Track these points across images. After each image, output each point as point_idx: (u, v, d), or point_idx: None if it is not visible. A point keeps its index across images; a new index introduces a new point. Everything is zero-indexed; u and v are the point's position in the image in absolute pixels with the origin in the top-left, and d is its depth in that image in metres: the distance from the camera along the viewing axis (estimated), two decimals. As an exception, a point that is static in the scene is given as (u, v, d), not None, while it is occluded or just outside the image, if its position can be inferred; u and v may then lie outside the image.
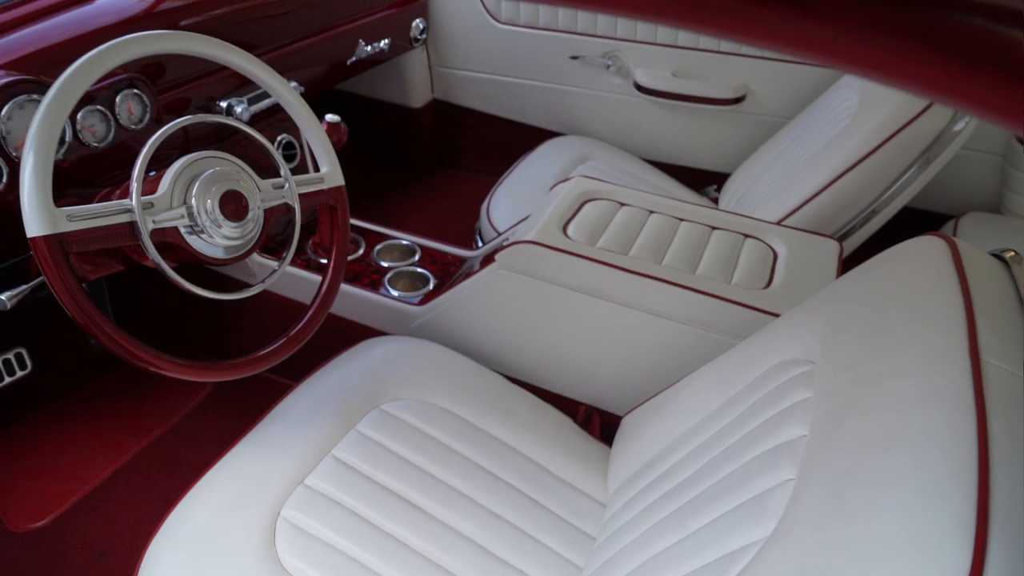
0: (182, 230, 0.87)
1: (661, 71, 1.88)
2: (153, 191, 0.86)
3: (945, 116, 1.30)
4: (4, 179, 0.96)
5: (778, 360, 0.83)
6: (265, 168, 1.03)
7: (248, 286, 0.96)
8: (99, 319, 0.79)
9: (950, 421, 0.55)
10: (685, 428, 0.92)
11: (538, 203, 1.40)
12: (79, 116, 1.02)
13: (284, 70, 1.13)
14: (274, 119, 1.41)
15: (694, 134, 1.93)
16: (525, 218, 1.37)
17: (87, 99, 1.03)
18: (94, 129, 1.05)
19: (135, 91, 1.09)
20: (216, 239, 0.90)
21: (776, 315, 1.04)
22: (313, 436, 0.98)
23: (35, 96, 0.97)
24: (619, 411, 1.17)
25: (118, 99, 1.07)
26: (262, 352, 0.96)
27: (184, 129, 1.05)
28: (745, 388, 0.86)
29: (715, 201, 1.83)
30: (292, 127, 1.42)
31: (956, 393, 0.57)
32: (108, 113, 1.06)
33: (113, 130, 1.07)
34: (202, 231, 0.88)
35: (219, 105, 1.31)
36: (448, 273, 1.38)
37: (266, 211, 0.96)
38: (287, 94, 1.01)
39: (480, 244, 1.65)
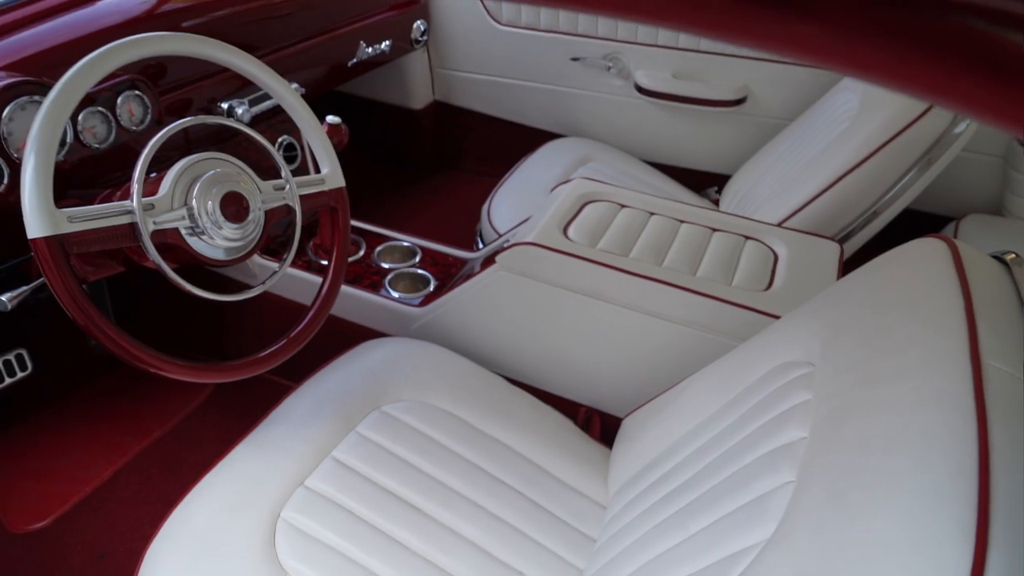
0: (183, 231, 0.88)
1: (662, 73, 1.88)
2: (154, 192, 0.87)
3: (946, 118, 1.30)
4: (5, 180, 0.96)
5: (778, 362, 0.83)
6: (266, 169, 1.03)
7: (249, 287, 0.96)
8: (99, 320, 0.79)
9: (950, 423, 0.55)
10: (685, 430, 0.92)
11: (539, 205, 1.40)
12: (80, 117, 1.03)
13: (285, 72, 1.13)
14: (275, 120, 1.41)
15: (695, 136, 1.93)
16: (526, 220, 1.37)
17: (88, 100, 1.03)
18: (95, 130, 1.05)
19: (136, 92, 1.09)
20: (217, 240, 0.90)
21: (776, 317, 1.04)
22: (313, 437, 0.98)
23: (36, 97, 0.97)
24: (619, 413, 1.17)
25: (119, 100, 1.07)
26: (263, 353, 0.96)
27: (185, 130, 1.05)
28: (745, 390, 0.86)
29: (716, 203, 1.83)
30: (293, 128, 1.42)
31: (956, 395, 0.57)
32: (109, 114, 1.06)
33: (114, 131, 1.07)
34: (203, 232, 0.88)
35: (220, 107, 1.32)
36: (449, 275, 1.38)
37: (267, 212, 0.96)
38: (288, 96, 1.01)
39: (481, 246, 1.65)
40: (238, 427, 1.02)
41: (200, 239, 0.89)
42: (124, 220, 0.82)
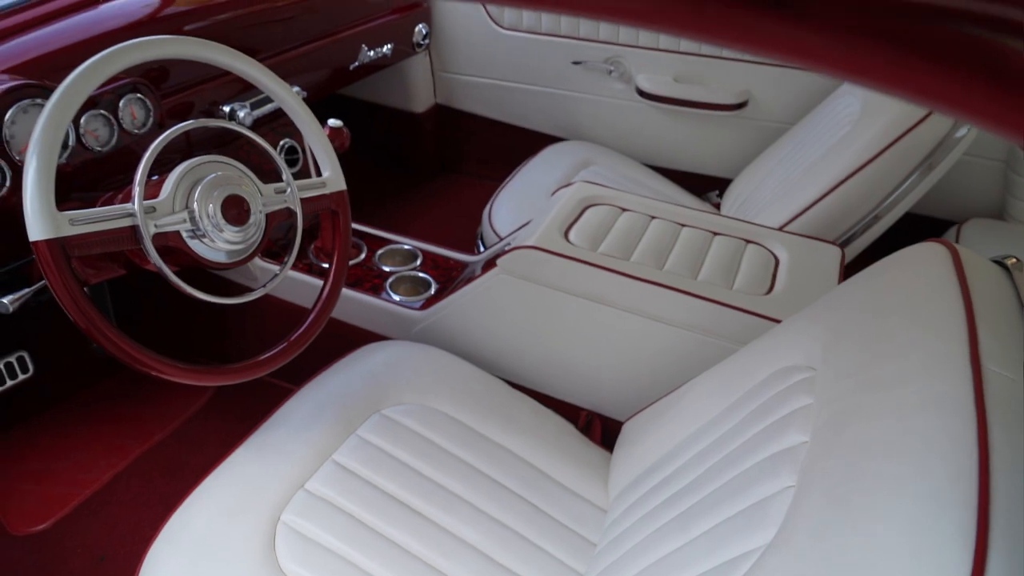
0: (184, 234, 0.88)
1: (663, 76, 1.89)
2: (155, 195, 0.87)
3: (947, 122, 1.30)
4: (7, 183, 0.96)
5: (779, 366, 0.83)
6: (267, 172, 1.03)
7: (250, 290, 0.96)
8: (100, 323, 0.79)
9: (951, 428, 0.55)
10: (686, 434, 0.92)
11: (540, 208, 1.40)
12: (82, 120, 1.03)
13: (287, 75, 1.13)
14: (277, 124, 1.42)
15: (696, 139, 1.93)
16: (527, 223, 1.37)
17: (90, 103, 1.03)
18: (97, 133, 1.05)
19: (138, 95, 1.09)
20: (218, 243, 0.90)
21: (777, 321, 1.04)
22: (314, 440, 0.98)
23: (39, 100, 0.97)
24: (620, 417, 1.17)
25: (121, 103, 1.07)
26: (263, 356, 0.96)
27: (187, 133, 1.05)
28: (746, 394, 0.86)
29: (717, 207, 1.83)
30: (295, 132, 1.43)
31: (957, 400, 0.57)
32: (111, 117, 1.06)
33: (116, 134, 1.07)
34: (204, 235, 0.88)
35: (222, 110, 1.32)
36: (450, 278, 1.38)
37: (268, 215, 0.96)
38: (289, 99, 1.02)
39: (482, 249, 1.65)
40: (239, 430, 1.02)
41: (201, 242, 0.89)
42: (125, 223, 0.82)
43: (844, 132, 1.43)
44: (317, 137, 1.04)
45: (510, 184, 1.78)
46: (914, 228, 1.46)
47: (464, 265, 1.42)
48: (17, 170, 0.97)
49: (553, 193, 1.46)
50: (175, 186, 0.87)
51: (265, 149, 0.97)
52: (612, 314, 1.15)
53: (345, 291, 1.32)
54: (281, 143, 1.42)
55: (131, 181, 0.84)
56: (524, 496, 0.98)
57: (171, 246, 0.87)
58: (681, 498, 0.81)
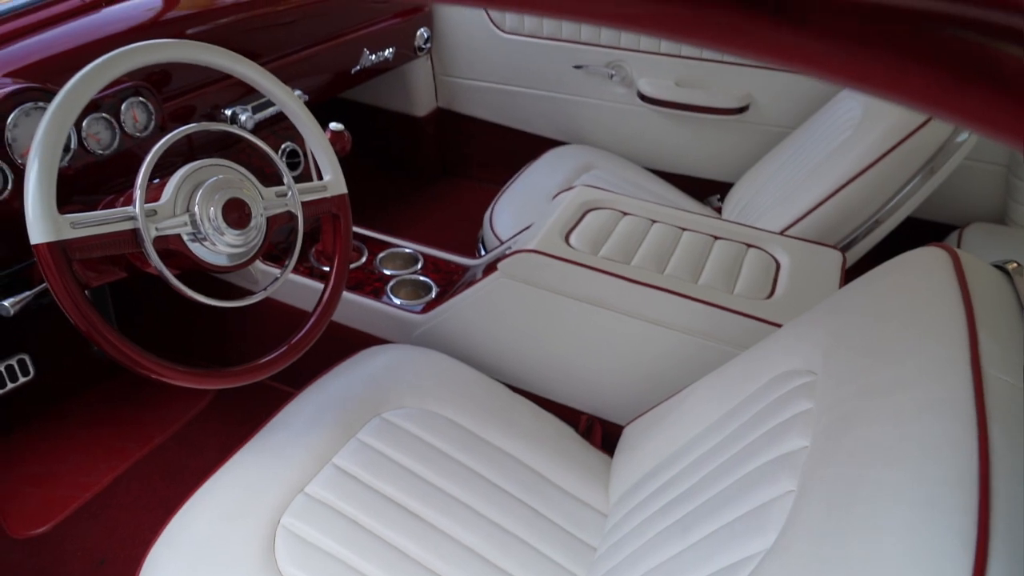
0: (185, 237, 0.88)
1: (665, 81, 1.89)
2: (156, 198, 0.87)
3: (949, 127, 1.30)
4: (9, 186, 0.96)
5: (780, 371, 0.83)
6: (269, 176, 1.04)
7: (250, 293, 0.96)
8: (101, 326, 0.80)
9: (951, 433, 0.54)
10: (687, 438, 0.92)
11: (541, 212, 1.40)
12: (84, 124, 1.03)
13: (289, 78, 1.13)
14: (278, 127, 1.42)
15: (697, 144, 1.94)
16: (528, 227, 1.37)
17: (92, 107, 1.03)
18: (99, 137, 1.05)
19: (140, 99, 1.09)
20: (219, 247, 0.90)
21: (778, 325, 1.03)
22: (314, 444, 0.98)
23: (41, 104, 0.97)
24: (621, 421, 1.17)
25: (123, 107, 1.07)
26: (264, 359, 0.96)
27: (188, 137, 1.05)
28: (747, 399, 0.86)
29: (718, 211, 1.82)
30: (296, 135, 1.43)
31: (957, 405, 0.56)
32: (113, 121, 1.06)
33: (118, 138, 1.07)
34: (205, 239, 0.89)
35: (223, 113, 1.32)
36: (450, 282, 1.38)
37: (269, 219, 0.96)
38: (291, 103, 1.02)
39: (483, 253, 1.65)
40: (239, 433, 1.02)
41: (202, 245, 0.89)
42: (127, 226, 0.83)
43: (845, 136, 1.43)
44: (318, 141, 1.04)
45: (511, 188, 1.78)
46: (915, 232, 1.46)
47: (465, 269, 1.43)
48: (19, 173, 0.97)
49: (554, 197, 1.46)
50: (176, 189, 0.87)
51: (266, 153, 0.97)
52: (613, 318, 1.15)
53: (346, 295, 1.32)
54: (282, 147, 1.43)
55: (132, 184, 0.84)
56: (524, 500, 0.98)
57: (172, 249, 0.87)
58: (681, 502, 0.81)
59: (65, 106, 0.80)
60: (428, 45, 2.02)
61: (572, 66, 1.97)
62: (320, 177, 1.06)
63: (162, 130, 1.13)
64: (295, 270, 1.34)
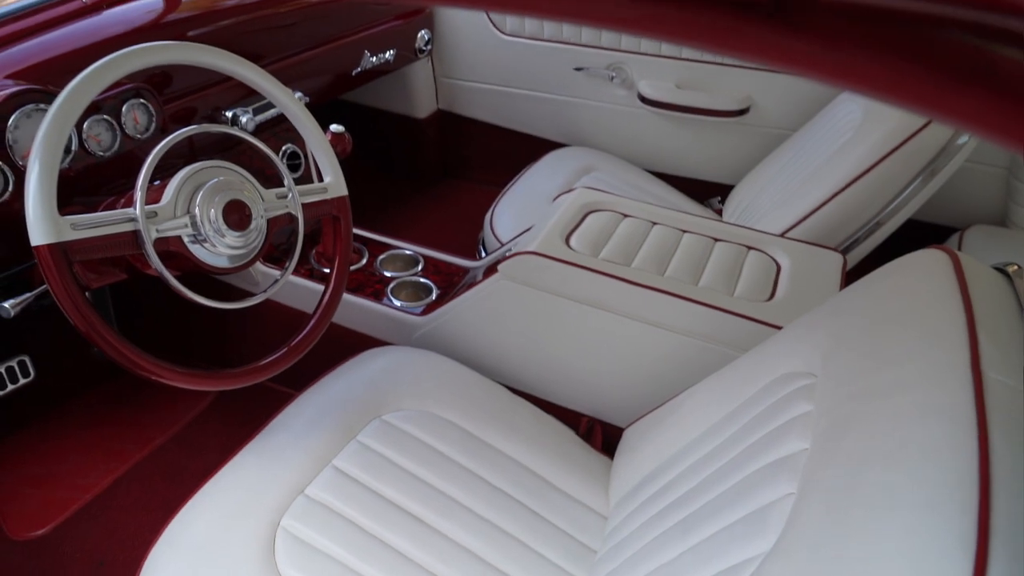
0: (185, 239, 0.88)
1: (665, 83, 1.89)
2: (157, 200, 0.87)
3: (949, 129, 1.30)
4: (10, 188, 0.97)
5: (780, 373, 0.83)
6: (269, 178, 1.04)
7: (251, 295, 0.96)
8: (101, 327, 0.80)
9: (951, 436, 0.54)
10: (687, 440, 0.92)
11: (541, 214, 1.40)
12: (85, 125, 1.03)
13: (289, 80, 1.13)
14: (279, 129, 1.42)
15: (698, 146, 1.94)
16: (528, 229, 1.37)
17: (93, 108, 1.04)
18: (100, 138, 1.06)
19: (141, 101, 1.09)
20: (219, 248, 0.90)
21: (778, 327, 1.03)
22: (314, 446, 0.98)
23: (42, 105, 0.97)
24: (621, 423, 1.17)
25: (124, 109, 1.07)
26: (264, 361, 0.96)
27: (189, 139, 1.05)
28: (747, 401, 0.86)
29: (719, 213, 1.82)
30: (297, 137, 1.43)
31: (957, 408, 0.56)
32: (114, 122, 1.06)
33: (119, 139, 1.07)
34: (205, 240, 0.89)
35: (224, 115, 1.32)
36: (451, 283, 1.38)
37: (269, 221, 0.96)
38: (291, 105, 1.02)
39: (483, 255, 1.65)
40: (239, 435, 1.02)
41: (203, 247, 0.89)
42: (127, 228, 0.83)
43: (846, 138, 1.43)
44: (319, 142, 1.05)
45: (512, 190, 1.78)
46: (916, 235, 1.46)
47: (465, 271, 1.43)
48: (20, 175, 0.97)
49: (555, 199, 1.46)
50: (177, 191, 0.87)
51: (267, 154, 0.97)
52: (613, 320, 1.15)
53: (346, 296, 1.32)
54: (283, 148, 1.43)
55: (133, 186, 0.84)
56: (524, 502, 0.98)
57: (172, 251, 0.87)
58: (681, 505, 0.81)
59: (66, 108, 0.81)
60: (429, 47, 2.02)
61: (573, 68, 1.97)
62: (321, 179, 1.06)
63: (163, 132, 1.13)
64: (295, 272, 1.34)
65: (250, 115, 1.33)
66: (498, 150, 2.21)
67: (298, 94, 1.37)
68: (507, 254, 1.23)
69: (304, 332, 1.00)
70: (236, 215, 0.90)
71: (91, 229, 0.80)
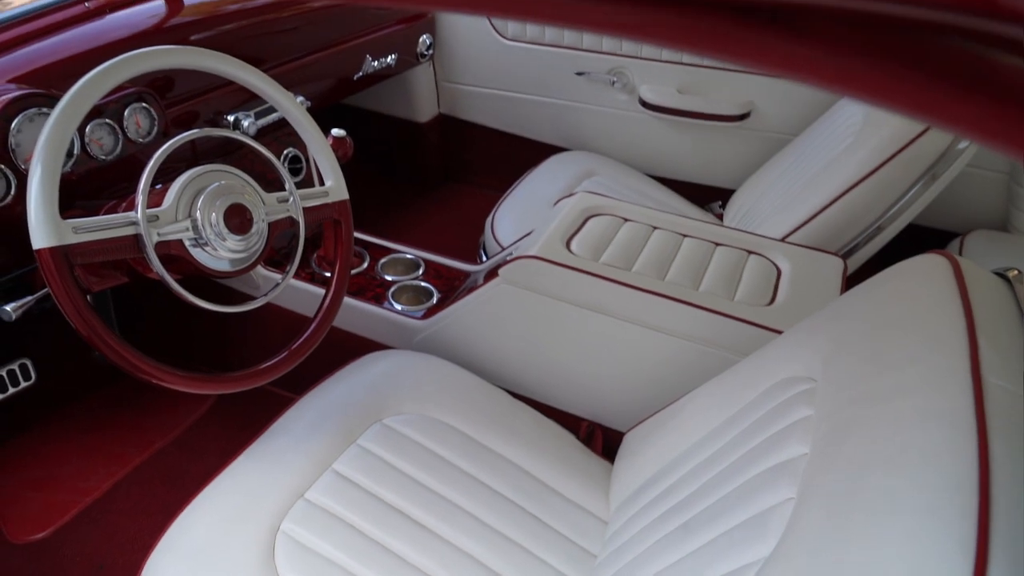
0: (186, 243, 0.88)
1: (666, 87, 1.89)
2: (158, 204, 0.87)
3: (950, 134, 1.30)
4: (12, 191, 0.97)
5: (780, 377, 0.83)
6: (271, 181, 1.04)
7: (252, 298, 0.96)
8: (102, 331, 0.80)
9: (951, 441, 0.54)
10: (687, 445, 0.92)
11: (542, 218, 1.40)
12: (87, 129, 1.03)
13: (291, 84, 1.14)
14: (281, 133, 1.42)
15: (699, 150, 1.94)
16: (529, 233, 1.38)
17: (96, 112, 1.04)
18: (102, 142, 1.06)
19: (143, 105, 1.10)
20: (220, 252, 0.90)
21: (779, 332, 1.03)
22: (314, 450, 0.98)
23: (44, 110, 0.98)
24: (621, 427, 1.17)
25: (126, 113, 1.08)
26: (265, 365, 0.96)
27: (191, 143, 1.06)
28: (747, 405, 0.85)
29: (720, 217, 1.83)
30: (298, 141, 1.43)
31: (957, 413, 0.56)
32: (116, 126, 1.07)
33: (121, 143, 1.08)
34: (206, 244, 0.89)
35: (226, 119, 1.32)
36: (452, 287, 1.39)
37: (270, 224, 0.96)
38: (293, 109, 1.02)
39: (484, 259, 1.65)
40: (240, 438, 1.02)
41: (204, 251, 0.89)
42: (128, 231, 0.83)
43: (847, 143, 1.43)
44: (320, 147, 1.05)
45: (513, 194, 1.78)
46: (917, 239, 1.46)
47: (466, 275, 1.43)
48: (22, 178, 0.97)
49: (555, 203, 1.46)
50: (178, 195, 0.88)
51: (268, 158, 0.97)
52: (614, 324, 1.15)
53: (347, 300, 1.32)
54: (285, 152, 1.43)
55: (135, 190, 0.85)
56: (525, 507, 0.98)
57: (174, 255, 0.87)
58: (682, 509, 0.80)
59: (68, 112, 0.81)
60: (430, 51, 2.02)
61: (574, 73, 1.97)
62: (322, 183, 1.06)
63: (165, 136, 1.13)
64: (296, 275, 1.34)
65: (252, 119, 1.33)
66: (499, 154, 2.21)
67: (300, 98, 1.38)
68: (508, 258, 1.23)
69: (305, 336, 1.00)
70: (237, 219, 0.90)
71: (93, 233, 0.80)
